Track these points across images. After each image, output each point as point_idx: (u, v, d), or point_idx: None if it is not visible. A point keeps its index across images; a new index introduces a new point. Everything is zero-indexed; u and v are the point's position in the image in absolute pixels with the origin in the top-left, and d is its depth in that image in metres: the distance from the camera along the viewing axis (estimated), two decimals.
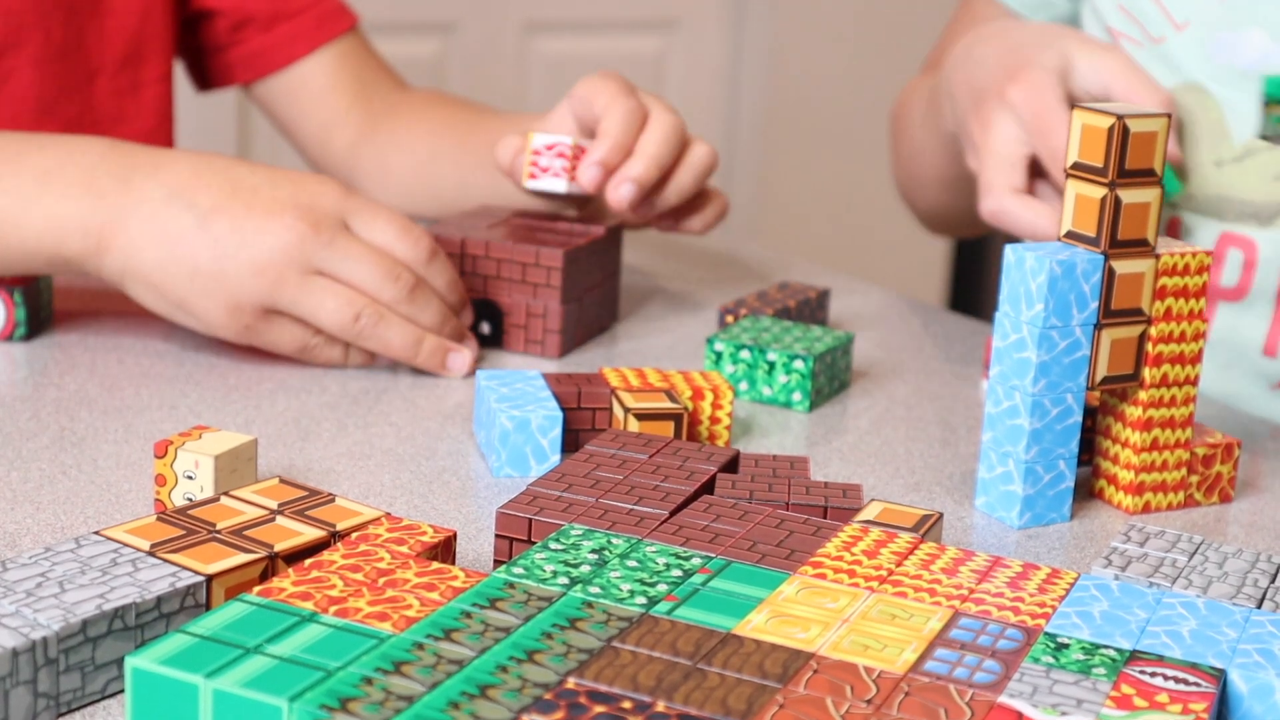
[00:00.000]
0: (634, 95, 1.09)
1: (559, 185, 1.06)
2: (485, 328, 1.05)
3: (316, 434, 0.89)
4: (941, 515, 0.74)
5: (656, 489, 0.74)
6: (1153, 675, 0.61)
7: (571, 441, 0.89)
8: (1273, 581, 0.71)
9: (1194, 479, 0.87)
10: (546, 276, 1.03)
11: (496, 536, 0.71)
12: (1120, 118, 0.80)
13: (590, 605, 0.62)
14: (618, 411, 0.87)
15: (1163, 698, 0.59)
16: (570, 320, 1.04)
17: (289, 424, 0.90)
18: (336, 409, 0.93)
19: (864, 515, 0.73)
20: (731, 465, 0.80)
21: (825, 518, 0.75)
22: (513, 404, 0.86)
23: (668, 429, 0.86)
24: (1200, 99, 1.14)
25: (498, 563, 0.71)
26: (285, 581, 0.62)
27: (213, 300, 0.95)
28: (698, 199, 1.13)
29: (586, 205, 1.15)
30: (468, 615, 0.60)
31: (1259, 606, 0.69)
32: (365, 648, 0.57)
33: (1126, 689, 0.60)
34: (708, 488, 0.77)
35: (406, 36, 2.71)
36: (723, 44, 3.08)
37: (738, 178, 3.14)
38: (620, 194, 1.05)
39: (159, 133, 1.33)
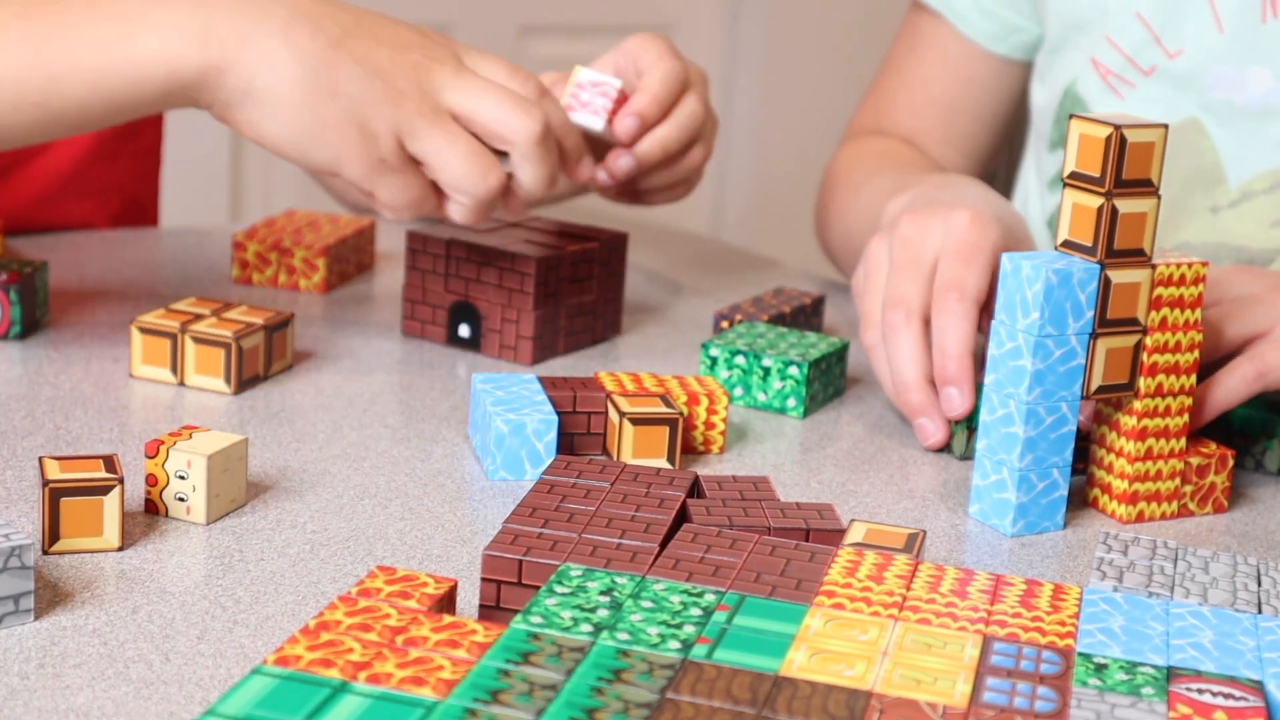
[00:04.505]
0: (680, 59, 1.10)
1: (596, 123, 1.06)
2: (465, 330, 1.04)
3: (311, 435, 0.89)
4: (925, 533, 0.74)
5: (634, 520, 0.73)
6: (1200, 692, 0.61)
7: (566, 445, 0.89)
8: (1259, 584, 0.73)
9: (1188, 489, 0.87)
10: (520, 282, 1.02)
11: (483, 580, 0.69)
12: (1118, 127, 0.81)
13: (626, 654, 0.61)
14: (613, 416, 0.87)
15: (1220, 716, 0.60)
16: (546, 328, 1.03)
17: (283, 425, 0.90)
18: (331, 410, 0.93)
19: (852, 537, 0.73)
20: (693, 488, 0.79)
21: (807, 539, 0.75)
22: (508, 407, 0.86)
23: (663, 434, 0.86)
24: (1196, 140, 1.14)
25: (483, 608, 0.69)
26: (297, 648, 0.59)
27: (352, 125, 0.91)
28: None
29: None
30: (506, 674, 0.59)
31: (1259, 612, 0.70)
32: (415, 718, 0.55)
33: (1183, 709, 0.60)
34: (682, 513, 0.76)
35: None
36: (717, 48, 3.08)
37: (732, 182, 3.14)
38: (620, 165, 1.08)
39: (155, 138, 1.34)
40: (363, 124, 0.91)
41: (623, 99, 1.07)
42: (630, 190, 1.14)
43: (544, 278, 1.02)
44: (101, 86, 0.90)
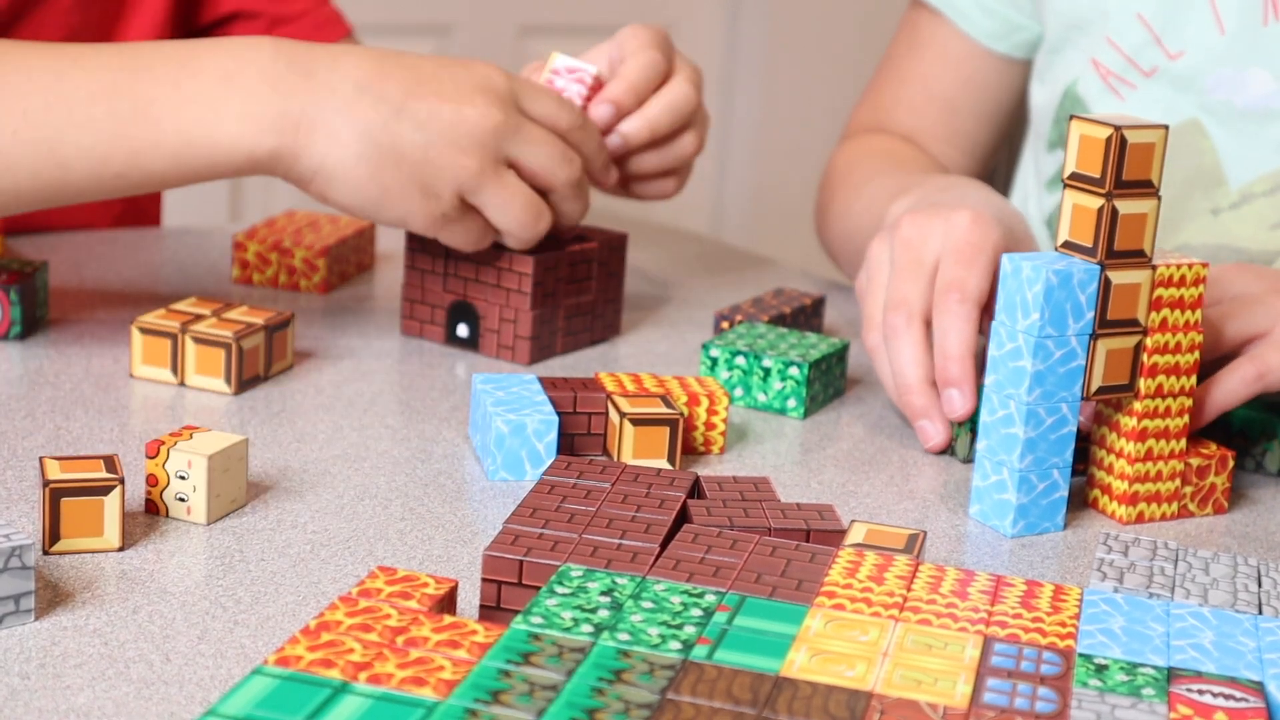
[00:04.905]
0: (665, 51, 1.11)
1: None
2: (463, 330, 1.04)
3: (312, 435, 0.89)
4: (925, 533, 0.74)
5: (635, 520, 0.73)
6: (1200, 693, 0.61)
7: (566, 446, 0.89)
8: (1260, 585, 0.73)
9: (1188, 490, 0.87)
10: (518, 282, 1.02)
11: (483, 580, 0.69)
12: (1118, 128, 0.81)
13: (627, 655, 0.61)
14: (613, 417, 0.87)
15: (1221, 717, 0.60)
16: (543, 328, 1.03)
17: (284, 425, 0.90)
18: (331, 410, 0.93)
19: (852, 538, 0.73)
20: (694, 489, 0.78)
21: (808, 540, 0.75)
22: (508, 408, 0.86)
23: (664, 435, 0.86)
24: (1196, 141, 1.14)
25: (484, 608, 0.69)
26: (298, 648, 0.59)
27: (415, 189, 0.96)
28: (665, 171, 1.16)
29: None
30: (507, 674, 0.59)
31: (1260, 613, 0.70)
32: (415, 719, 0.55)
33: (1184, 709, 0.60)
34: (683, 514, 0.76)
35: (403, 38, 2.71)
36: (717, 48, 3.08)
37: (732, 184, 3.14)
38: (609, 141, 1.08)
39: None
40: (425, 186, 0.96)
41: (599, 85, 1.08)
42: (620, 176, 1.14)
43: (542, 278, 1.02)
44: (182, 164, 0.95)
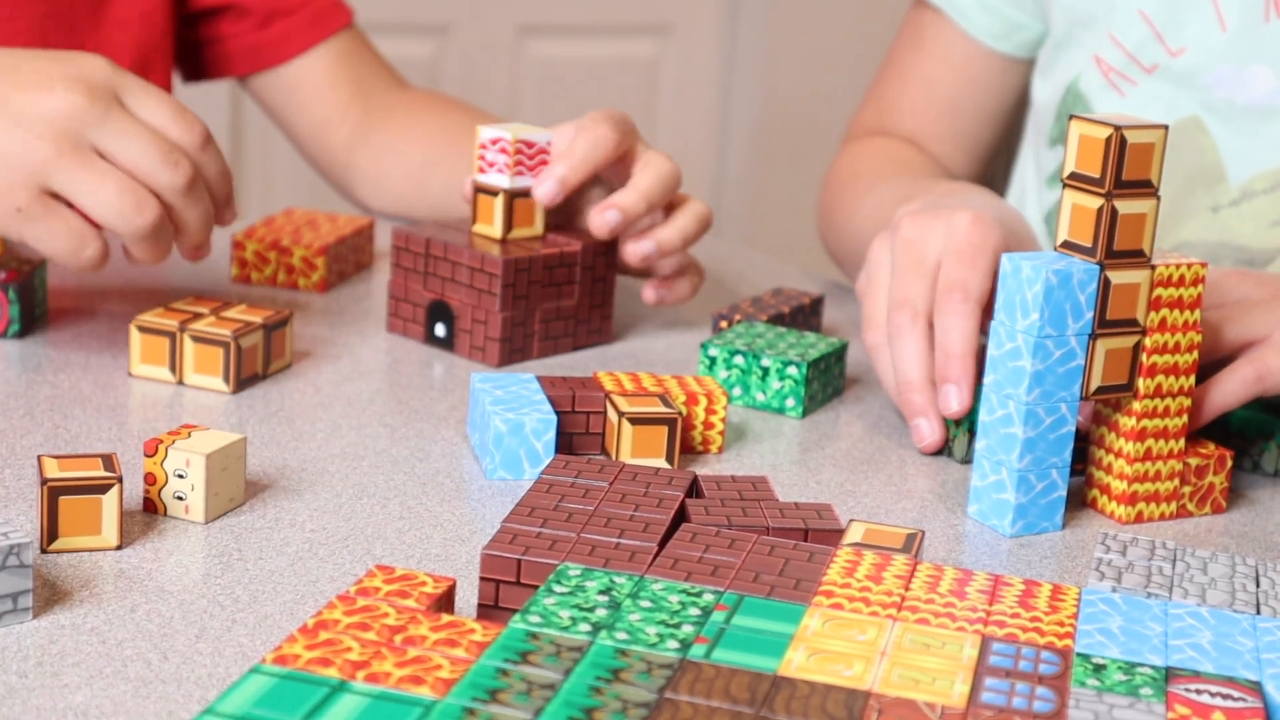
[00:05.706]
0: (621, 129, 1.06)
1: (501, 180, 1.05)
2: (440, 330, 1.04)
3: (310, 434, 0.89)
4: (924, 533, 0.74)
5: (633, 519, 0.73)
6: (1198, 693, 0.61)
7: (565, 445, 0.89)
8: (1258, 585, 0.73)
9: (1186, 489, 0.87)
10: (489, 283, 1.01)
11: (482, 579, 0.69)
12: (1118, 128, 0.81)
13: (625, 654, 0.61)
14: (612, 416, 0.87)
15: (1218, 716, 0.60)
16: (515, 331, 1.02)
17: (282, 424, 0.90)
18: (330, 409, 0.93)
19: (851, 538, 0.73)
20: (692, 488, 0.79)
21: (806, 539, 0.75)
22: (507, 407, 0.86)
23: (662, 434, 0.86)
24: (1197, 138, 1.14)
25: (482, 607, 0.69)
26: (296, 647, 0.59)
27: None
28: (684, 267, 1.11)
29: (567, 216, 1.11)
30: (505, 673, 0.59)
31: (1258, 612, 0.70)
32: (413, 717, 0.56)
33: (1181, 709, 0.60)
34: (681, 513, 0.76)
35: (402, 37, 2.71)
36: (717, 49, 3.08)
37: (731, 183, 3.14)
38: (605, 219, 1.03)
39: None
40: None
41: (522, 148, 1.04)
42: (646, 273, 1.11)
43: (513, 279, 1.01)
44: None
